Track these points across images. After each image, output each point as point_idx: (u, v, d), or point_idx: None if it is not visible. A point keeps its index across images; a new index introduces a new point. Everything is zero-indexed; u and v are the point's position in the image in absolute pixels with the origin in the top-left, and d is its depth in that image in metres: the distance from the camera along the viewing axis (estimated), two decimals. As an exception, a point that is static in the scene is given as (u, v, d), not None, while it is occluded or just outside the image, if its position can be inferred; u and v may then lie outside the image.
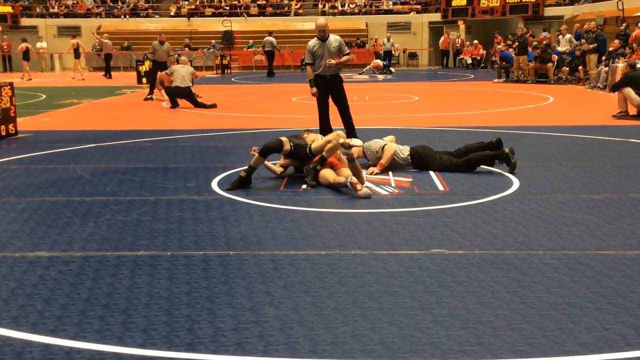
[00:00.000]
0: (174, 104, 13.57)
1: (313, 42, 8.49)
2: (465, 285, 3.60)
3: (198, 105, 13.55)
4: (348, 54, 8.62)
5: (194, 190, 6.01)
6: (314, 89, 8.54)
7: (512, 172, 6.47)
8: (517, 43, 20.14)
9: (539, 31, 26.40)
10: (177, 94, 13.64)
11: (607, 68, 16.15)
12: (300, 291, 3.54)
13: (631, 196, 5.57)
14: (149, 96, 15.62)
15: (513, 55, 20.66)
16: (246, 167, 6.09)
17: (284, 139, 6.12)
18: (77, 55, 25.84)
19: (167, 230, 4.74)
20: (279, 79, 23.65)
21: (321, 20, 8.57)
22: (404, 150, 6.84)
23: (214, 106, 13.52)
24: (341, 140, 5.98)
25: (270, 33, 24.90)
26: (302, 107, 13.56)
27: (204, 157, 7.74)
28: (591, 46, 17.88)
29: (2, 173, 6.93)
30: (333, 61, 8.32)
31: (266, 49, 24.49)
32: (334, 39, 8.45)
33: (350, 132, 8.66)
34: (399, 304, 3.37)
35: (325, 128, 8.64)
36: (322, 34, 8.40)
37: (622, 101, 10.92)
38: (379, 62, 25.79)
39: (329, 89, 8.55)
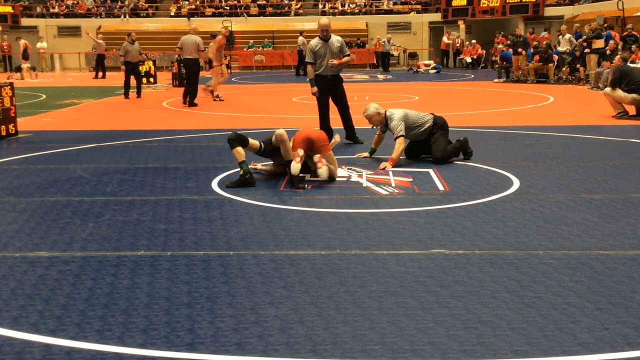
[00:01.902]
0: (192, 102, 13.81)
1: (315, 42, 8.48)
2: (466, 285, 3.60)
3: (193, 84, 13.90)
4: (348, 54, 8.63)
5: (194, 190, 6.01)
6: (315, 89, 8.52)
7: (468, 158, 7.23)
8: (520, 47, 20.06)
9: (539, 31, 26.44)
10: (186, 68, 14.06)
11: (607, 69, 16.15)
12: (301, 291, 3.54)
13: (631, 196, 5.57)
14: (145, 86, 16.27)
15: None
16: (240, 165, 6.07)
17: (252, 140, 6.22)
18: (25, 56, 26.11)
19: (168, 230, 4.74)
20: (279, 79, 23.66)
21: (324, 19, 8.55)
22: (427, 122, 7.22)
23: (193, 105, 13.80)
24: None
25: (301, 33, 25.43)
26: (302, 107, 13.56)
27: (204, 157, 7.74)
28: (597, 41, 17.82)
29: (2, 173, 6.93)
30: (335, 61, 8.32)
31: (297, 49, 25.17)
32: (335, 39, 8.46)
33: (350, 133, 8.67)
34: (399, 303, 3.37)
35: (325, 128, 8.63)
36: (325, 34, 8.40)
37: (615, 103, 10.92)
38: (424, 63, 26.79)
39: (329, 89, 8.55)
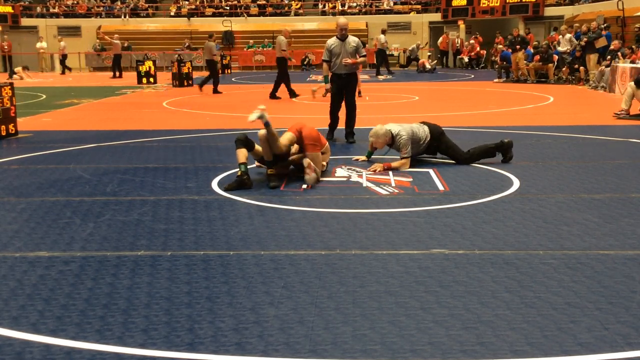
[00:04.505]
0: (273, 95, 15.43)
1: (332, 41, 8.75)
2: (466, 285, 3.60)
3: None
4: (364, 55, 8.86)
5: (194, 190, 6.01)
6: (328, 85, 8.81)
7: (505, 162, 7.03)
8: (518, 45, 20.01)
9: (540, 31, 26.42)
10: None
11: (607, 68, 16.14)
12: (301, 291, 3.55)
13: (631, 196, 5.57)
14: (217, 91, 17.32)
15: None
16: (239, 166, 6.07)
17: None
18: None
19: (168, 230, 4.74)
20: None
21: (342, 20, 8.82)
22: (427, 136, 7.00)
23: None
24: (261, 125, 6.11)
25: (383, 32, 25.18)
26: (303, 107, 13.57)
27: (204, 157, 7.74)
28: (600, 39, 17.77)
29: (2, 173, 6.93)
30: (349, 60, 8.53)
31: (377, 47, 24.77)
32: (352, 40, 8.70)
33: (349, 132, 8.78)
34: (399, 303, 3.37)
35: (332, 125, 8.94)
36: (343, 33, 8.62)
37: (628, 99, 10.88)
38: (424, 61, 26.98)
39: (343, 87, 8.77)
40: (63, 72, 28.48)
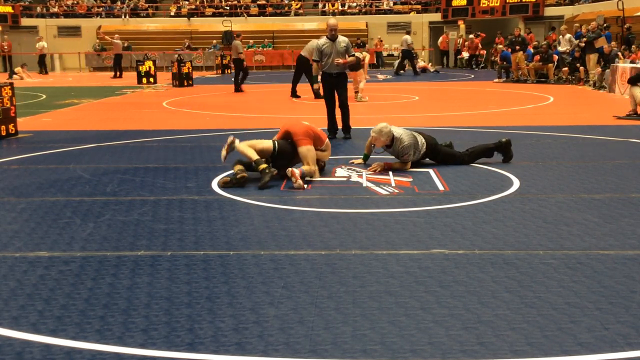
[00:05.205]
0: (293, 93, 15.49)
1: (323, 41, 8.92)
2: (466, 285, 3.60)
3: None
4: (353, 55, 9.06)
5: (194, 190, 6.01)
6: (317, 85, 9.11)
7: (506, 161, 7.05)
8: (518, 46, 19.98)
9: (540, 31, 26.39)
10: None
11: (602, 69, 16.14)
12: (301, 291, 3.55)
13: (631, 196, 5.57)
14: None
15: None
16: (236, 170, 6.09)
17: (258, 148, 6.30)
18: None
19: (168, 230, 4.74)
20: (279, 79, 23.62)
21: (332, 20, 8.97)
22: (423, 145, 6.90)
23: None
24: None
25: (407, 32, 25.22)
26: (302, 107, 13.57)
27: (204, 157, 7.74)
28: (599, 39, 17.75)
29: (2, 173, 6.93)
30: (341, 60, 8.70)
31: (402, 47, 24.71)
32: (342, 40, 8.87)
33: (346, 127, 8.83)
34: (399, 303, 3.37)
35: (332, 124, 9.05)
36: (333, 34, 8.77)
37: (633, 100, 10.89)
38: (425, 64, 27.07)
39: (334, 85, 8.90)
40: (41, 72, 28.42)
